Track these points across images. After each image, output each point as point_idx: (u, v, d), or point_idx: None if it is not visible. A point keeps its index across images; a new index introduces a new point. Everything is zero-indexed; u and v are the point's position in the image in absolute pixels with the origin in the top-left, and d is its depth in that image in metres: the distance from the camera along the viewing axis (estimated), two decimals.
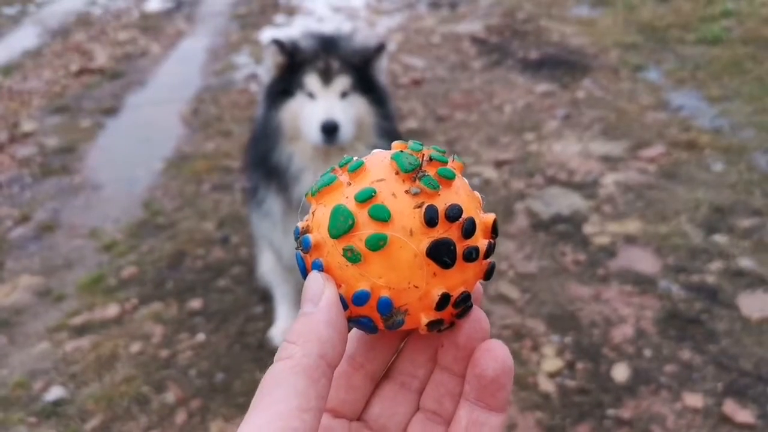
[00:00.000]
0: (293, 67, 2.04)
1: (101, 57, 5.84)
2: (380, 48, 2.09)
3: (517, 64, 5.00)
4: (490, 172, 3.58)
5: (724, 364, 2.28)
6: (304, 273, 0.49)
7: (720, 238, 2.90)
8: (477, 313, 0.51)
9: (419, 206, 0.46)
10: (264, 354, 2.46)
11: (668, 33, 5.30)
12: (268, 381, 0.41)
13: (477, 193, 0.53)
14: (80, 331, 2.66)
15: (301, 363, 0.42)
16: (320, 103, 1.99)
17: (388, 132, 2.11)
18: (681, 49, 5.03)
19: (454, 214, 0.46)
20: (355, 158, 0.50)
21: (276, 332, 2.51)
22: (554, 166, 3.59)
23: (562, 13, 6.05)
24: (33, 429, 2.18)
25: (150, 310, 2.75)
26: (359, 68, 2.05)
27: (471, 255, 0.47)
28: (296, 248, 0.50)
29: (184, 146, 4.21)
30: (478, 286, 0.53)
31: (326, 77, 2.01)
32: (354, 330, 0.53)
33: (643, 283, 2.68)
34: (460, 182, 0.50)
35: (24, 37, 6.61)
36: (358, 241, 0.45)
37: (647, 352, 2.35)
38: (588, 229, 3.05)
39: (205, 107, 4.74)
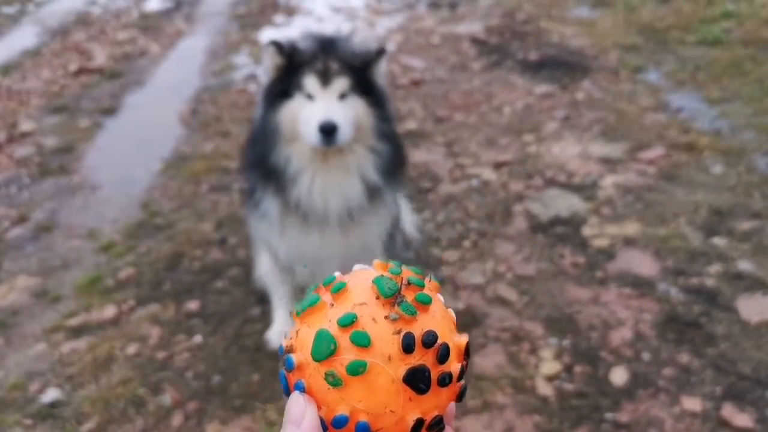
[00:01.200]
0: (292, 68, 2.03)
1: (100, 57, 5.83)
2: (380, 52, 2.08)
3: (517, 65, 5.00)
4: (488, 174, 3.57)
5: (723, 367, 2.27)
6: (287, 391, 0.52)
7: (719, 241, 2.89)
8: None
9: (398, 332, 0.49)
10: (261, 356, 2.45)
11: (668, 34, 5.29)
12: None
13: (451, 312, 0.56)
14: (77, 332, 2.65)
15: None
16: (319, 104, 1.98)
17: (387, 134, 2.10)
18: (681, 50, 5.03)
19: (429, 340, 0.49)
20: (337, 277, 0.54)
21: (273, 334, 2.51)
22: (553, 167, 3.58)
23: (562, 14, 6.04)
24: (29, 431, 2.17)
25: (147, 312, 2.74)
26: (358, 70, 2.04)
27: (445, 380, 0.50)
28: (280, 367, 0.52)
29: (183, 147, 4.20)
30: (451, 406, 0.55)
31: (325, 78, 1.99)
32: None
33: (641, 285, 2.67)
34: (436, 306, 0.53)
35: (23, 37, 6.61)
36: (339, 366, 0.48)
37: (646, 356, 2.34)
38: (587, 231, 3.04)
39: (204, 107, 4.73)
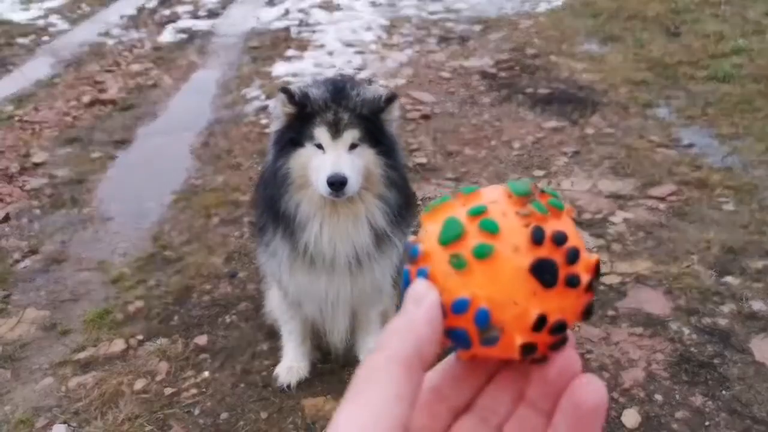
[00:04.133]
0: (303, 116, 2.04)
1: (113, 88, 5.90)
2: (391, 98, 2.09)
3: (527, 99, 5.02)
4: None
5: (737, 410, 2.23)
6: (408, 285, 0.50)
7: (732, 280, 2.86)
8: (571, 351, 0.50)
9: (527, 225, 0.47)
10: (269, 393, 2.43)
11: (678, 70, 5.31)
12: (368, 367, 0.44)
13: (583, 240, 0.53)
14: (84, 366, 2.64)
15: (398, 354, 0.44)
16: (329, 156, 1.99)
17: (396, 182, 2.11)
18: (691, 86, 5.04)
19: (560, 238, 0.47)
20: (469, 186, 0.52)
21: (281, 370, 2.49)
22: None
23: (571, 49, 6.09)
24: None
25: (155, 346, 2.73)
26: (369, 119, 2.05)
27: (573, 281, 0.47)
28: (404, 262, 0.51)
29: (194, 179, 4.22)
30: (571, 333, 0.51)
31: (336, 130, 2.00)
32: (442, 363, 0.54)
33: (653, 325, 2.64)
34: (568, 219, 0.51)
35: (37, 68, 6.70)
36: (465, 249, 0.47)
37: (658, 397, 2.30)
38: None
39: (215, 140, 4.77)
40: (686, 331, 2.59)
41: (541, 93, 5.10)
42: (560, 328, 0.48)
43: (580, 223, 3.38)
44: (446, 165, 4.13)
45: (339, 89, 2.08)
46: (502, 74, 5.57)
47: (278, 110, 2.12)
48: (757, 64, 5.22)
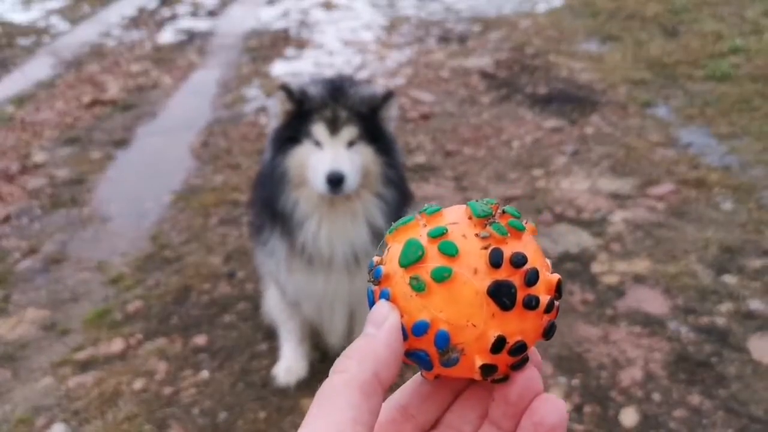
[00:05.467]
0: (301, 114, 2.06)
1: (113, 88, 5.91)
2: (388, 96, 2.11)
3: (526, 99, 5.02)
4: None
5: (735, 409, 2.24)
6: (372, 305, 0.51)
7: (730, 279, 2.87)
8: (532, 371, 0.51)
9: (486, 248, 0.48)
10: (267, 393, 2.44)
11: (677, 69, 5.32)
12: (325, 391, 0.44)
13: (546, 259, 0.54)
14: (84, 366, 2.64)
15: (356, 377, 0.44)
16: (327, 153, 2.00)
17: (394, 180, 2.12)
18: (690, 85, 5.05)
19: (518, 260, 0.48)
20: (434, 205, 0.54)
21: (280, 370, 2.49)
22: (562, 202, 3.58)
23: (570, 49, 6.09)
24: None
25: (154, 346, 2.74)
26: (367, 117, 2.06)
27: (531, 303, 0.48)
28: (368, 281, 0.52)
29: (193, 179, 4.23)
30: (536, 351, 0.53)
31: (334, 127, 2.02)
32: (409, 381, 0.55)
33: (652, 324, 2.65)
34: (529, 239, 0.52)
35: (38, 68, 6.71)
36: (424, 272, 0.48)
37: (656, 396, 2.31)
38: (596, 267, 3.03)
39: (215, 140, 4.77)
40: (684, 330, 2.60)
41: (541, 92, 5.11)
42: (520, 349, 0.49)
43: (578, 223, 3.39)
44: (445, 164, 4.13)
45: (337, 87, 2.10)
46: (502, 74, 5.57)
47: (276, 108, 2.13)
48: (755, 63, 5.22)
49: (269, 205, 2.12)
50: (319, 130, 2.02)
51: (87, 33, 7.99)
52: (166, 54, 6.95)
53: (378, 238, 2.12)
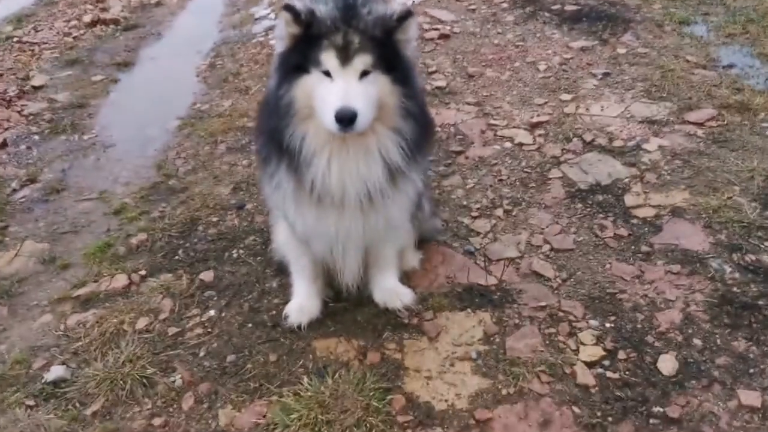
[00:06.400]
0: (309, 38, 1.80)
1: (116, 6, 5.62)
2: (406, 16, 1.83)
3: (553, 17, 4.68)
4: (523, 136, 3.33)
5: None
6: None
7: None
8: None
9: None
10: (278, 334, 2.28)
11: None
12: None
13: None
14: (85, 303, 2.50)
15: None
16: (337, 85, 1.76)
17: (412, 112, 1.88)
18: (730, 0, 4.67)
19: None
20: None
21: (292, 309, 2.33)
22: (593, 129, 3.33)
23: None
24: (30, 412, 2.04)
25: (159, 282, 2.58)
26: (382, 42, 1.80)
27: None
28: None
29: (200, 103, 4.01)
30: None
31: (345, 55, 1.76)
32: None
33: (691, 262, 2.44)
34: None
35: None
36: None
37: (697, 342, 2.13)
38: (630, 200, 2.81)
39: (223, 62, 4.52)
40: (728, 269, 2.39)
41: (569, 9, 4.75)
42: None
43: (610, 151, 3.15)
44: (467, 88, 3.86)
45: (348, 6, 1.83)
46: None
47: (282, 30, 1.88)
48: None
49: (275, 138, 1.90)
50: (328, 58, 1.77)
51: None
52: None
53: (394, 175, 1.89)
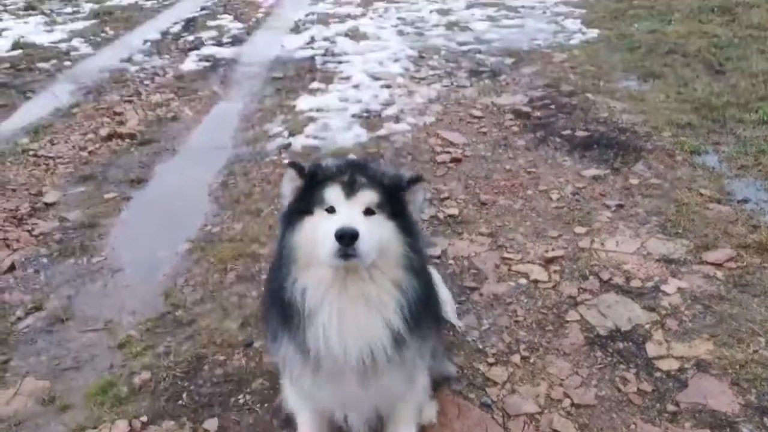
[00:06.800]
0: (313, 185, 1.81)
1: (133, 120, 5.70)
2: (415, 180, 1.85)
3: (564, 143, 4.73)
4: (538, 272, 3.27)
5: None
6: None
7: None
8: None
9: None
10: None
11: (726, 112, 5.00)
12: None
13: None
14: None
15: None
16: (341, 213, 1.73)
17: (415, 268, 1.82)
18: (741, 130, 4.72)
19: None
20: None
21: None
22: (609, 267, 3.28)
23: (609, 86, 5.79)
24: None
25: (161, 431, 2.46)
26: (388, 189, 1.80)
27: None
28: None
29: (211, 225, 3.98)
30: None
31: (350, 189, 1.76)
32: None
33: (721, 426, 2.33)
34: None
35: (56, 95, 6.52)
36: None
37: None
38: (652, 349, 2.72)
39: (235, 180, 4.54)
40: None
41: (579, 135, 4.81)
42: None
43: (628, 292, 3.08)
44: (479, 217, 3.84)
45: (356, 162, 1.87)
46: (537, 113, 5.29)
47: (286, 188, 1.89)
48: None
49: (277, 297, 1.84)
50: (333, 193, 1.76)
51: (108, 58, 7.83)
52: (188, 83, 6.75)
53: (397, 341, 1.80)
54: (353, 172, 1.80)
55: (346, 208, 1.74)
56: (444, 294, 2.75)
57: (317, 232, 1.74)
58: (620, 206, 3.85)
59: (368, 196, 1.76)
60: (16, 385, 2.76)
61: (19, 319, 3.20)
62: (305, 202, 1.81)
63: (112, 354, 2.95)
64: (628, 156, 4.46)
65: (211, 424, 2.48)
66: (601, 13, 8.44)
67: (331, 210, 1.76)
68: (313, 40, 7.91)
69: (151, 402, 2.62)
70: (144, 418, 2.53)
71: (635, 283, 3.14)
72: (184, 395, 2.65)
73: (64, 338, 3.07)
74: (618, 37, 7.23)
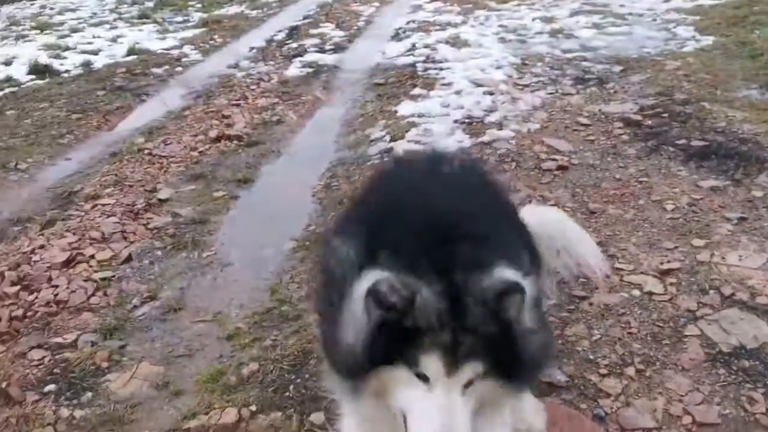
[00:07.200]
0: (399, 326, 1.38)
1: (240, 123, 5.88)
2: (505, 292, 1.40)
3: (679, 152, 4.52)
4: (653, 284, 3.12)
5: None
6: None
7: None
8: None
9: None
10: None
11: None
12: None
13: None
14: None
15: None
16: (438, 398, 1.39)
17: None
18: None
19: None
20: None
21: None
22: (731, 282, 3.09)
23: (727, 95, 5.50)
24: None
25: (268, 421, 2.50)
26: (498, 341, 1.40)
27: None
28: None
29: (315, 225, 4.04)
30: None
31: (453, 361, 1.38)
32: None
33: None
34: None
35: (169, 98, 6.84)
36: None
37: None
38: None
39: (338, 182, 4.59)
40: None
41: (696, 145, 4.58)
42: None
43: (754, 309, 2.89)
44: (588, 226, 3.70)
45: (458, 289, 1.41)
46: (648, 122, 5.08)
47: (360, 318, 1.44)
48: None
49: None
50: (431, 362, 1.38)
51: (216, 64, 8.15)
52: (291, 88, 6.92)
53: None
54: (456, 328, 1.38)
55: (446, 386, 1.39)
56: (590, 246, 2.50)
57: (399, 394, 1.44)
58: (743, 219, 3.63)
59: (473, 368, 1.41)
60: (132, 369, 2.88)
61: (135, 307, 3.34)
62: (387, 344, 1.40)
63: (221, 344, 3.02)
64: (750, 167, 4.21)
65: (318, 417, 2.49)
66: (716, 20, 8.05)
67: (423, 378, 1.41)
68: (413, 47, 7.93)
69: (259, 392, 2.67)
70: (253, 408, 2.57)
71: (761, 300, 2.94)
72: (291, 388, 2.68)
73: (176, 327, 3.17)
74: (737, 45, 6.87)
